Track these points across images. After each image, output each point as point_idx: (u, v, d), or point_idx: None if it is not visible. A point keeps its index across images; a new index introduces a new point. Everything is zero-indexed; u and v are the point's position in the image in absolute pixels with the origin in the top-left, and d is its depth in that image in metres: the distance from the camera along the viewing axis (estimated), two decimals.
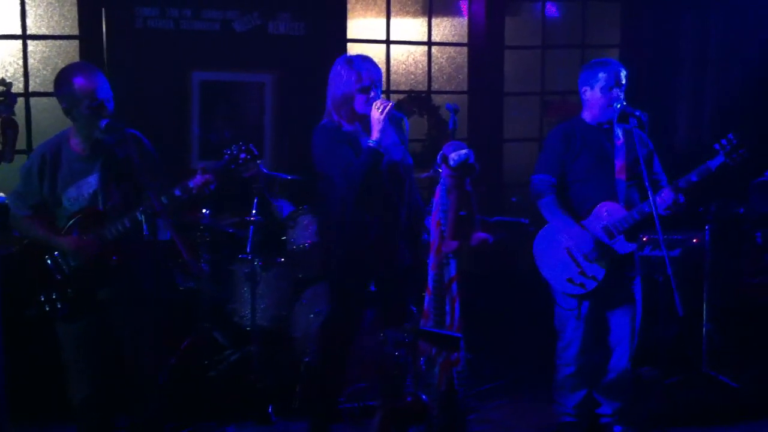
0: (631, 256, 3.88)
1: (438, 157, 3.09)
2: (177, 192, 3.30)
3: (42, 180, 3.34)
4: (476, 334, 3.33)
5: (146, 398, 3.53)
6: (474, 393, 4.44)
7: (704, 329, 4.87)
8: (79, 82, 3.26)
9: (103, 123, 3.28)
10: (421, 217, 3.78)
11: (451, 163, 3.03)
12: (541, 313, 4.07)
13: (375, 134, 3.50)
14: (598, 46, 6.45)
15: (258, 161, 3.61)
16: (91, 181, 3.34)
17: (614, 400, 4.00)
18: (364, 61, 3.63)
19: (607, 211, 3.79)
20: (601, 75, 3.84)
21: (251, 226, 4.80)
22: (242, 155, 3.40)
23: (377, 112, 3.49)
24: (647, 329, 4.04)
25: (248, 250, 4.79)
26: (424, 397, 3.06)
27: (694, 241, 4.96)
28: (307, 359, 4.50)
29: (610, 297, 3.88)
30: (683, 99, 6.32)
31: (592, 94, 3.88)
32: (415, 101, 6.20)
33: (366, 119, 3.59)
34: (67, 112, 3.33)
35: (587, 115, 3.94)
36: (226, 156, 3.41)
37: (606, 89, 3.82)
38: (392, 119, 3.59)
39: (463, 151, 3.03)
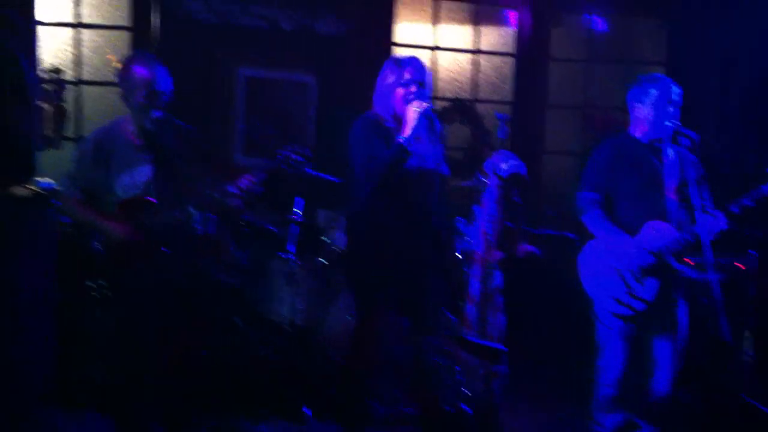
0: (678, 279, 3.82)
1: (487, 166, 3.08)
2: (229, 188, 3.33)
3: (96, 165, 3.38)
4: (517, 346, 3.31)
5: (182, 393, 3.57)
6: (511, 406, 4.41)
7: (746, 356, 4.78)
8: (138, 71, 3.31)
9: (157, 114, 3.32)
10: (450, 228, 3.73)
11: (501, 173, 3.02)
12: (582, 329, 4.02)
13: (406, 131, 3.47)
14: (643, 62, 6.40)
15: (310, 164, 3.62)
16: (145, 171, 3.38)
17: (655, 425, 3.92)
18: (412, 60, 3.64)
19: (656, 231, 3.71)
20: (653, 91, 3.79)
21: (292, 225, 4.81)
22: (295, 157, 3.42)
23: (413, 110, 3.47)
24: (690, 353, 3.96)
25: (288, 248, 4.80)
26: (466, 408, 3.05)
27: (737, 265, 4.88)
28: (341, 362, 4.50)
29: (656, 319, 3.81)
30: (730, 122, 6.23)
31: (643, 111, 3.82)
32: (459, 109, 6.18)
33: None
34: (125, 98, 3.38)
35: (637, 132, 3.89)
36: (279, 157, 3.43)
37: (657, 106, 3.76)
38: (429, 122, 3.56)
39: (514, 162, 3.02)
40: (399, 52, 5.92)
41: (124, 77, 3.36)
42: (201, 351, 4.14)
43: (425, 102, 3.50)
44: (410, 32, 6.14)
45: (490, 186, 3.05)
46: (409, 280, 3.64)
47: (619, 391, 3.86)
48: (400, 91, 3.55)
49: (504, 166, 3.00)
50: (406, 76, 3.55)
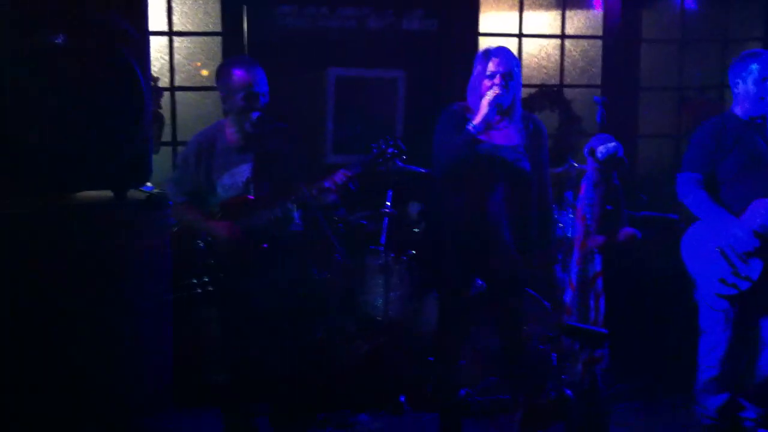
0: None
1: (585, 149, 3.05)
2: (325, 184, 3.39)
3: (198, 167, 3.50)
4: (618, 331, 3.27)
5: (285, 385, 3.65)
6: (611, 393, 4.35)
7: None
8: (237, 74, 3.40)
9: (255, 115, 3.41)
10: (544, 215, 3.64)
11: (599, 156, 2.99)
12: (685, 313, 3.94)
13: (477, 119, 3.46)
14: (739, 39, 6.18)
15: (404, 156, 3.64)
16: (245, 170, 3.48)
17: (760, 405, 3.84)
18: (499, 51, 3.61)
19: (762, 209, 3.62)
20: (754, 66, 3.70)
21: (385, 218, 4.86)
22: (390, 150, 3.45)
23: (485, 99, 3.45)
24: None
25: (381, 242, 4.85)
26: (568, 392, 3.03)
27: None
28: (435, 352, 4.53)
29: (762, 298, 3.72)
30: None
31: (744, 87, 3.73)
32: (547, 95, 6.12)
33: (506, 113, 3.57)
34: (224, 101, 3.48)
35: (738, 110, 3.79)
36: (374, 150, 3.47)
37: (759, 81, 3.67)
38: (499, 110, 3.53)
39: (612, 144, 2.99)
40: (485, 43, 5.89)
41: (222, 81, 3.46)
42: (304, 346, 4.25)
43: (497, 90, 3.47)
44: (496, 21, 6.10)
45: (588, 170, 3.02)
46: (487, 269, 3.61)
47: (723, 373, 3.79)
48: (487, 83, 3.54)
49: (602, 149, 2.96)
50: (491, 67, 3.54)
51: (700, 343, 3.86)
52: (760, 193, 3.66)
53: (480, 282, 3.55)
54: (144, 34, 2.05)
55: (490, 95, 3.46)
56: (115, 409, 1.94)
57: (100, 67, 1.89)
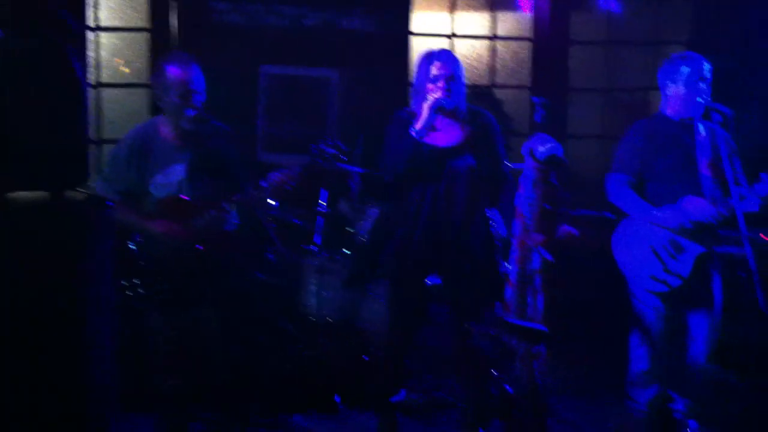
0: (713, 253, 3.82)
1: (524, 149, 3.08)
2: (263, 184, 3.35)
3: (130, 165, 3.41)
4: (557, 328, 3.31)
5: (226, 388, 3.58)
6: (549, 389, 4.41)
7: None
8: (173, 71, 3.33)
9: (191, 113, 3.34)
10: (483, 216, 3.70)
11: (539, 156, 3.02)
12: (620, 309, 4.02)
13: (418, 124, 3.52)
14: (665, 42, 6.36)
15: (343, 157, 3.63)
16: (179, 170, 3.40)
17: (688, 397, 3.95)
18: (441, 54, 3.65)
19: (693, 207, 3.71)
20: (684, 69, 3.80)
21: (319, 218, 4.82)
22: (330, 150, 3.43)
23: (426, 104, 3.52)
24: (727, 328, 3.97)
25: (316, 241, 4.82)
26: (509, 389, 3.05)
27: (762, 236, 4.87)
28: (374, 351, 4.51)
29: (691, 294, 3.83)
30: (755, 98, 6.19)
31: (675, 89, 3.83)
32: (477, 96, 6.17)
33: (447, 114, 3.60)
34: (159, 98, 3.40)
35: (668, 111, 3.89)
36: (314, 151, 3.44)
37: (690, 83, 3.77)
38: (442, 113, 3.55)
39: (551, 145, 3.02)
40: (417, 43, 5.92)
41: (158, 78, 3.38)
42: (243, 347, 4.18)
43: (439, 94, 3.51)
44: (428, 22, 6.13)
45: (526, 169, 3.05)
46: (443, 269, 3.66)
47: (653, 367, 3.89)
48: (430, 86, 3.57)
49: (542, 149, 3.00)
50: (434, 71, 3.57)
51: (630, 338, 3.95)
52: (689, 190, 3.75)
53: (433, 281, 3.60)
54: (83, 29, 1.96)
55: (430, 100, 3.52)
56: (60, 412, 1.86)
57: (40, 63, 1.81)
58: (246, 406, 4.05)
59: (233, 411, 3.72)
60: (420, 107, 3.59)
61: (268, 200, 3.49)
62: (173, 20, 5.41)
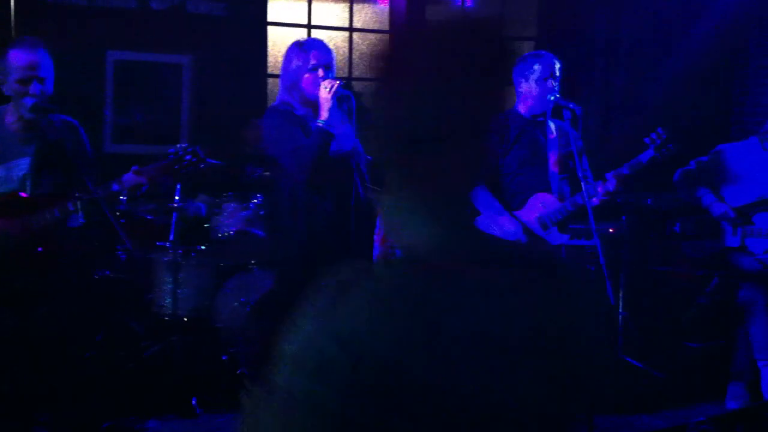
0: (560, 248, 3.96)
1: None
2: (114, 187, 3.17)
3: None
4: None
5: (66, 393, 3.39)
6: None
7: (620, 316, 5.03)
8: (13, 55, 3.12)
9: (28, 102, 3.11)
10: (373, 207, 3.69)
11: None
12: None
13: (323, 114, 3.39)
14: (515, 38, 6.54)
15: (202, 165, 3.47)
16: (23, 164, 3.17)
17: None
18: (315, 43, 3.57)
19: (542, 203, 3.85)
20: (536, 67, 3.90)
21: (173, 213, 4.63)
22: (188, 157, 3.28)
23: (325, 92, 3.39)
24: None
25: (170, 237, 4.62)
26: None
27: (611, 230, 5.12)
28: (232, 350, 4.40)
29: None
30: (595, 93, 6.49)
31: (527, 86, 3.93)
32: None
33: (317, 104, 3.51)
34: (2, 84, 3.17)
35: (521, 108, 3.99)
36: (171, 156, 3.28)
37: (541, 81, 3.88)
38: (341, 102, 3.51)
39: None
40: (273, 32, 5.80)
41: (1, 62, 3.14)
42: (90, 349, 3.98)
43: (335, 82, 3.43)
44: (285, 11, 6.02)
45: None
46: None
47: None
48: (308, 76, 3.47)
49: None
50: (312, 60, 3.48)
51: None
52: (539, 187, 3.89)
53: None
54: None
55: (327, 87, 3.39)
56: None
57: None
58: (93, 409, 3.85)
59: (80, 415, 3.52)
60: (297, 98, 3.50)
61: (120, 198, 3.29)
62: (10, 2, 5.03)
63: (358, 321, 1.10)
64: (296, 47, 3.55)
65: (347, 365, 1.08)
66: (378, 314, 1.11)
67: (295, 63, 3.50)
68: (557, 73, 3.90)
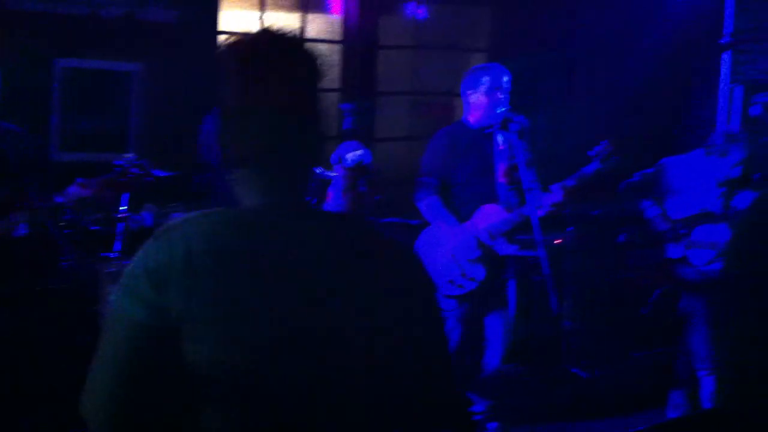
0: (508, 258, 4.00)
1: (332, 157, 3.07)
2: (58, 199, 3.12)
3: None
4: None
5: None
6: None
7: (566, 326, 5.11)
8: None
9: None
10: None
11: (347, 163, 3.02)
12: None
13: None
14: (467, 49, 6.62)
15: (148, 178, 3.43)
16: None
17: (487, 398, 4.11)
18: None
19: (489, 214, 3.89)
20: (485, 79, 3.94)
21: (119, 224, 4.57)
22: (134, 170, 3.25)
23: None
24: (521, 328, 4.17)
25: (116, 248, 4.55)
26: None
27: (557, 242, 5.20)
28: None
29: (486, 298, 3.99)
30: (547, 105, 6.58)
31: (475, 98, 3.97)
32: None
33: None
34: None
35: (471, 119, 4.03)
36: (117, 169, 3.25)
37: (489, 93, 3.92)
38: None
39: (359, 152, 3.04)
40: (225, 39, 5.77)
41: None
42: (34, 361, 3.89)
43: None
44: (237, 19, 6.00)
45: (336, 177, 3.05)
46: None
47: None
48: None
49: (350, 156, 3.01)
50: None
51: None
52: (487, 197, 3.92)
53: None
54: None
55: None
56: None
57: None
58: (35, 420, 3.79)
59: (20, 425, 3.46)
60: None
61: (64, 209, 3.25)
62: None
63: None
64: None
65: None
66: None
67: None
68: (505, 86, 3.94)
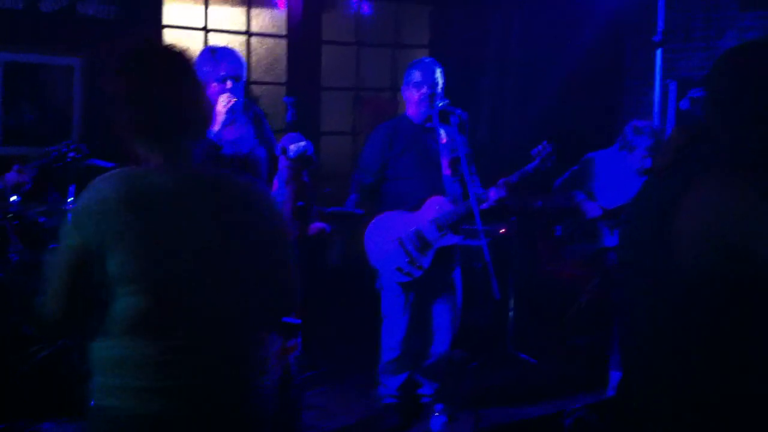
0: (454, 247, 4.13)
1: (276, 148, 3.14)
2: None
3: None
4: (308, 322, 3.42)
5: None
6: (303, 380, 4.52)
7: (510, 313, 5.27)
8: None
9: None
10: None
11: (290, 154, 3.10)
12: (368, 302, 4.22)
13: (215, 126, 3.41)
14: (408, 46, 6.73)
15: (87, 161, 3.44)
16: None
17: (435, 381, 4.24)
18: (228, 53, 3.57)
19: (437, 205, 4.01)
20: (417, 74, 4.05)
21: (67, 215, 4.56)
22: (71, 154, 3.26)
23: (221, 105, 3.40)
24: (464, 314, 4.30)
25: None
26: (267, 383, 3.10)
27: (501, 231, 5.35)
28: None
29: (434, 285, 4.12)
30: (486, 100, 6.73)
31: (411, 93, 4.08)
32: None
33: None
34: None
35: (410, 114, 4.14)
36: (53, 154, 3.26)
37: (422, 87, 4.02)
38: (252, 116, 3.55)
39: (302, 143, 3.11)
40: (170, 35, 5.79)
41: None
42: None
43: (234, 98, 3.42)
44: (181, 14, 6.00)
45: (279, 167, 3.12)
46: None
47: (402, 354, 4.13)
48: (215, 85, 3.46)
49: (293, 147, 3.09)
50: (222, 71, 3.47)
51: (382, 328, 4.16)
52: (433, 190, 4.05)
53: None
54: None
55: (224, 102, 3.38)
56: None
57: None
58: None
59: None
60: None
61: (9, 198, 3.25)
62: None
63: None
64: (208, 53, 3.53)
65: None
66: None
67: (205, 70, 3.45)
68: (438, 80, 4.04)
